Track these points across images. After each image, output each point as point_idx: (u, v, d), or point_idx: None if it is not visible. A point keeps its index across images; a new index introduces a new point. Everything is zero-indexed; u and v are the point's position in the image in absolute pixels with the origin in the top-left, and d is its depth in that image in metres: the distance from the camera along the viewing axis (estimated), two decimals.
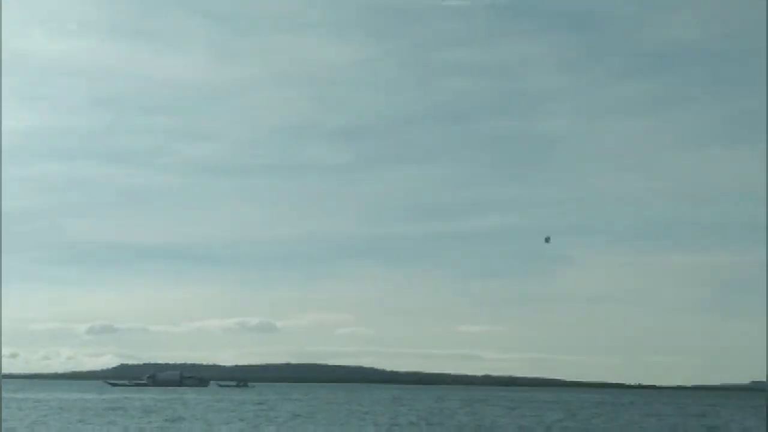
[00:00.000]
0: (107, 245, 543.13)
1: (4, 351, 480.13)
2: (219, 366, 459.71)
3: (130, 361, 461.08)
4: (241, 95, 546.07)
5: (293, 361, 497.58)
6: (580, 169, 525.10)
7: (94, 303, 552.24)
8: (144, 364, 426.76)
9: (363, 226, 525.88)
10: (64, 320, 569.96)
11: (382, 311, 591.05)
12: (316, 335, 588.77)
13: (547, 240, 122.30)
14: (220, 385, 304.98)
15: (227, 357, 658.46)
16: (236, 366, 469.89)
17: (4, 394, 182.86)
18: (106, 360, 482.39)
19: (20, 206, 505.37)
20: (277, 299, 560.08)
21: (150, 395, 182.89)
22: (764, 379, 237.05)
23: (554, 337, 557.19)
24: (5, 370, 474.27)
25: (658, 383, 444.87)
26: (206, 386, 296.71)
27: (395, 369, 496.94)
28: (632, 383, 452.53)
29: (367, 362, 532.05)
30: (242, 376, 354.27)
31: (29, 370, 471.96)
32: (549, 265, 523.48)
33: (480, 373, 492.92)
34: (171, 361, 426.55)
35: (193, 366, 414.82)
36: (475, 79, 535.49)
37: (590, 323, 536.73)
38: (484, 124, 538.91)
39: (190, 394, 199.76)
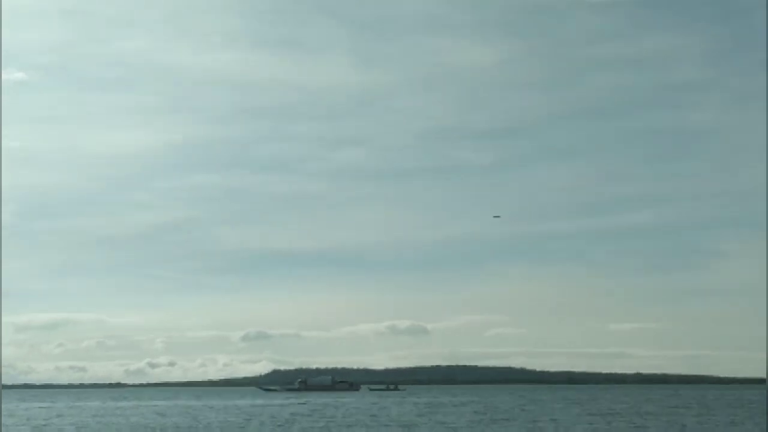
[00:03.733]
0: (259, 253, 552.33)
1: (163, 359, 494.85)
2: (370, 370, 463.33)
3: (283, 367, 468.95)
4: (386, 100, 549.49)
5: (443, 363, 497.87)
6: (730, 161, 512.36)
7: (248, 310, 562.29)
8: (296, 369, 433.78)
9: (512, 226, 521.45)
10: (219, 328, 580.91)
11: (532, 311, 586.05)
12: (467, 337, 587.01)
13: (497, 217, 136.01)
14: (371, 389, 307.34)
15: (378, 360, 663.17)
16: (386, 369, 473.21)
17: (203, 402, 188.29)
18: (261, 366, 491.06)
19: (175, 217, 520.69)
20: (428, 302, 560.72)
21: (322, 400, 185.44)
22: None
23: (708, 333, 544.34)
24: (164, 378, 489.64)
25: None
26: (357, 390, 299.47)
27: (546, 369, 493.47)
28: None
29: (517, 363, 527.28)
30: (393, 380, 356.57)
31: (187, 378, 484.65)
32: (701, 260, 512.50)
33: (631, 371, 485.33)
34: (323, 366, 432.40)
35: (344, 370, 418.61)
36: (621, 74, 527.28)
37: (745, 318, 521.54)
38: (632, 120, 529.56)
39: (348, 398, 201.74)
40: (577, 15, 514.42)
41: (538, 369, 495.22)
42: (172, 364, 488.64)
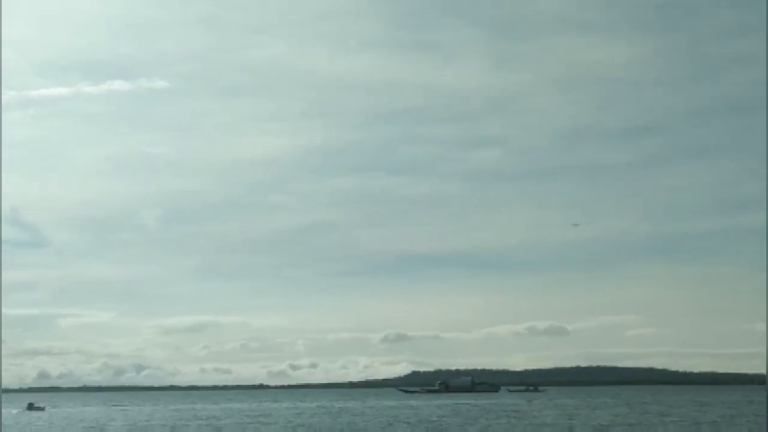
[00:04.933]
0: (397, 255, 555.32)
1: (305, 361, 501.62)
2: (509, 371, 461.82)
3: (422, 368, 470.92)
4: (521, 100, 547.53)
5: (583, 363, 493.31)
6: None
7: (388, 312, 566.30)
8: (435, 370, 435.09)
9: (651, 225, 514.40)
10: (359, 330, 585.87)
11: (673, 311, 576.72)
12: (607, 337, 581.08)
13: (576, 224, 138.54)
14: (510, 390, 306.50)
15: (517, 361, 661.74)
16: (525, 370, 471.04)
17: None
18: (401, 368, 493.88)
19: (314, 220, 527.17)
20: (567, 302, 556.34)
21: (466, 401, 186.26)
22: None
23: None
24: (306, 380, 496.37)
25: None
26: (497, 391, 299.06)
27: (688, 369, 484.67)
28: None
29: (658, 363, 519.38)
30: (532, 381, 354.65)
31: (328, 380, 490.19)
32: None
33: None
34: (462, 367, 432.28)
35: (483, 371, 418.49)
36: (759, 69, 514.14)
37: None
38: None
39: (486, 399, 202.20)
40: (712, 9, 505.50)
41: (680, 370, 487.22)
42: (313, 365, 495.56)
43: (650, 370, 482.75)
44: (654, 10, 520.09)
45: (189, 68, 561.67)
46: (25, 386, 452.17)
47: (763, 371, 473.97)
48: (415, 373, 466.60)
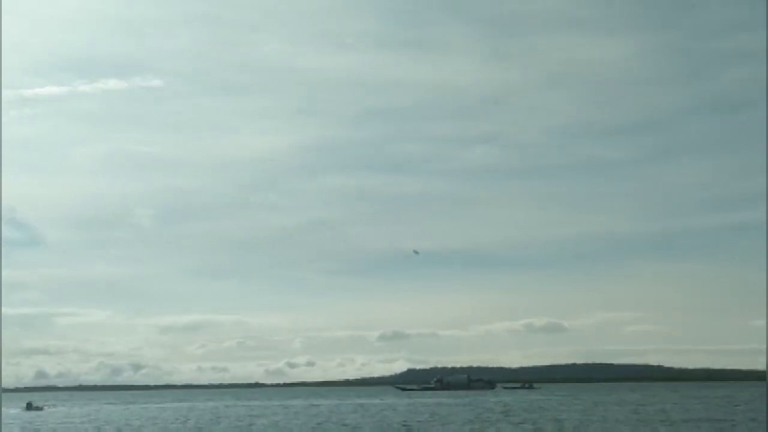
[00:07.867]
0: (395, 253, 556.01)
1: (302, 359, 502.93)
2: (505, 368, 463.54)
3: (419, 366, 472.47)
4: (516, 97, 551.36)
5: (579, 361, 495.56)
6: None
7: (385, 310, 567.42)
8: (431, 368, 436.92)
9: (648, 222, 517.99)
10: (356, 328, 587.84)
11: (670, 307, 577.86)
12: (604, 334, 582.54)
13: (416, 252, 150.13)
14: (505, 388, 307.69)
15: (514, 359, 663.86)
16: (522, 368, 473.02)
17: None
18: (397, 365, 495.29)
19: (310, 218, 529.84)
20: (565, 299, 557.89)
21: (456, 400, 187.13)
22: None
23: None
24: (303, 378, 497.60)
25: None
26: (493, 389, 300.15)
27: (683, 366, 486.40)
28: None
29: (654, 360, 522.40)
30: (527, 378, 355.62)
31: (324, 378, 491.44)
32: None
33: None
34: (458, 365, 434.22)
35: (480, 369, 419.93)
36: (755, 66, 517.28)
37: None
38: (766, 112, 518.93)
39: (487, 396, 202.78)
40: (709, 6, 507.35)
41: (676, 366, 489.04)
42: (310, 363, 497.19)
43: (646, 367, 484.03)
44: (650, 7, 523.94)
45: (183, 66, 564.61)
46: (22, 386, 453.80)
47: (759, 367, 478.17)
48: (411, 371, 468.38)
